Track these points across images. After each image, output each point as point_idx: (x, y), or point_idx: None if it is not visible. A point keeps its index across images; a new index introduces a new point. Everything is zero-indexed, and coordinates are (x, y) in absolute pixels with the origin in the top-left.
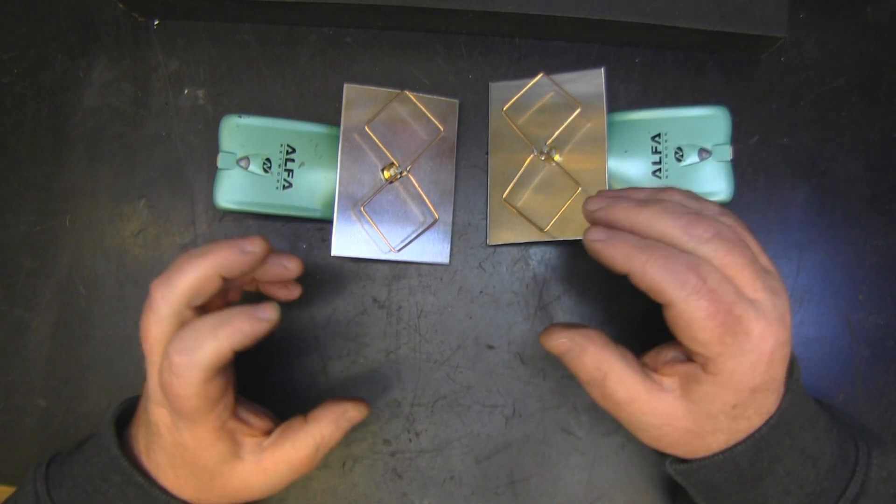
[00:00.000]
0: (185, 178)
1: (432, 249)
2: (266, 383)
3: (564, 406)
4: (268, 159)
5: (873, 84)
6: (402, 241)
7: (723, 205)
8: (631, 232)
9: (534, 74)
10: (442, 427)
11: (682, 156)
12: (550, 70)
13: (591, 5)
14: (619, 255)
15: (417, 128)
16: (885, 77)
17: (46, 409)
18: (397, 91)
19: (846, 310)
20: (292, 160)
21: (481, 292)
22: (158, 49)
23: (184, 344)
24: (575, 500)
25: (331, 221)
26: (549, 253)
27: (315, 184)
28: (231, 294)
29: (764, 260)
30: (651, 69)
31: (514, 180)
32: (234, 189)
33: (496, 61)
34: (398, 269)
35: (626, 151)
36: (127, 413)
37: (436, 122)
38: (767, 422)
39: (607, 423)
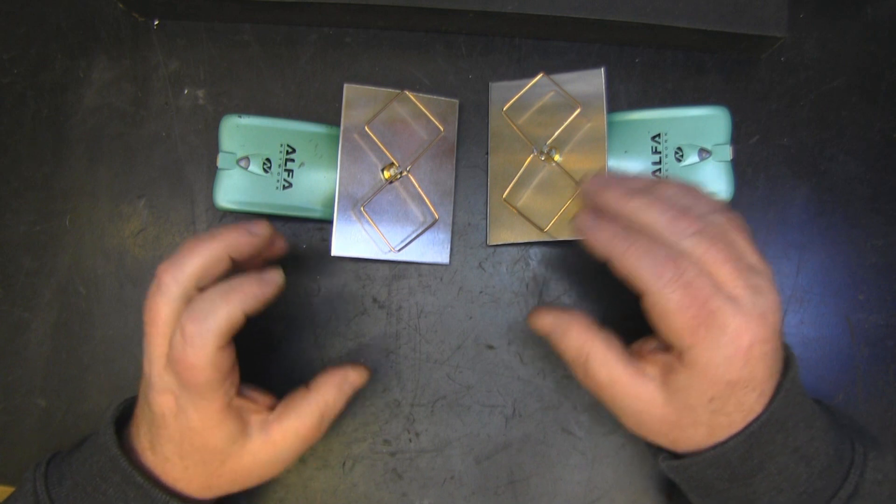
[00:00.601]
0: (185, 178)
1: (432, 249)
2: (266, 383)
3: (564, 406)
4: (268, 159)
5: (873, 84)
6: (402, 241)
7: None
8: (618, 219)
9: (534, 74)
10: (442, 427)
11: (682, 156)
12: (550, 70)
13: (591, 5)
14: (601, 240)
15: (417, 128)
16: (885, 77)
17: (46, 409)
18: (397, 91)
19: (846, 310)
20: (292, 160)
21: (481, 292)
22: (158, 49)
23: (197, 312)
24: (575, 500)
25: (331, 221)
26: (549, 253)
27: (315, 184)
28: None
29: (752, 258)
30: (651, 69)
31: (514, 180)
32: (234, 189)
33: (496, 61)
34: (398, 269)
35: (626, 151)
36: (126, 413)
37: (436, 122)
38: (757, 418)
39: (607, 423)
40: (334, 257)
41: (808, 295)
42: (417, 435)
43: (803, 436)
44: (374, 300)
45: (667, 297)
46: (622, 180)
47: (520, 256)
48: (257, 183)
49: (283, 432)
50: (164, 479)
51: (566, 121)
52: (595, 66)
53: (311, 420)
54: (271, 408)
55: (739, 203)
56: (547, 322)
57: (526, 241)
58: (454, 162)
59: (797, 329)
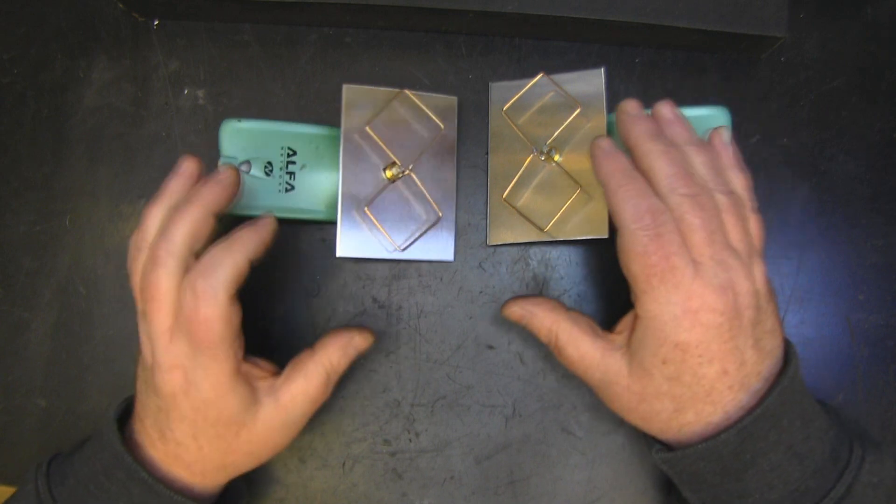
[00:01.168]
0: None
1: (437, 247)
2: None
3: (564, 406)
4: (269, 163)
5: (873, 84)
6: (406, 240)
7: None
8: (632, 152)
9: (534, 74)
10: (442, 427)
11: None
12: (550, 70)
13: (591, 5)
14: (606, 169)
15: (418, 126)
16: (885, 77)
17: (46, 409)
18: (396, 90)
19: (846, 310)
20: (293, 163)
21: (481, 292)
22: (158, 49)
23: (205, 268)
24: (575, 500)
25: (334, 223)
26: (549, 253)
27: (317, 185)
28: None
29: (737, 242)
30: (651, 69)
31: (514, 180)
32: None
33: (496, 61)
34: (398, 269)
35: (626, 151)
36: (128, 412)
37: (436, 120)
38: (750, 413)
39: (607, 423)
40: (334, 257)
41: (808, 295)
42: (417, 435)
43: (799, 434)
44: (374, 300)
45: (636, 240)
46: (669, 120)
47: (520, 256)
48: (259, 187)
49: (291, 394)
50: (175, 470)
51: (566, 121)
52: (595, 66)
53: (317, 380)
54: (275, 373)
55: None
56: (516, 310)
57: (526, 241)
58: (455, 159)
59: (797, 329)
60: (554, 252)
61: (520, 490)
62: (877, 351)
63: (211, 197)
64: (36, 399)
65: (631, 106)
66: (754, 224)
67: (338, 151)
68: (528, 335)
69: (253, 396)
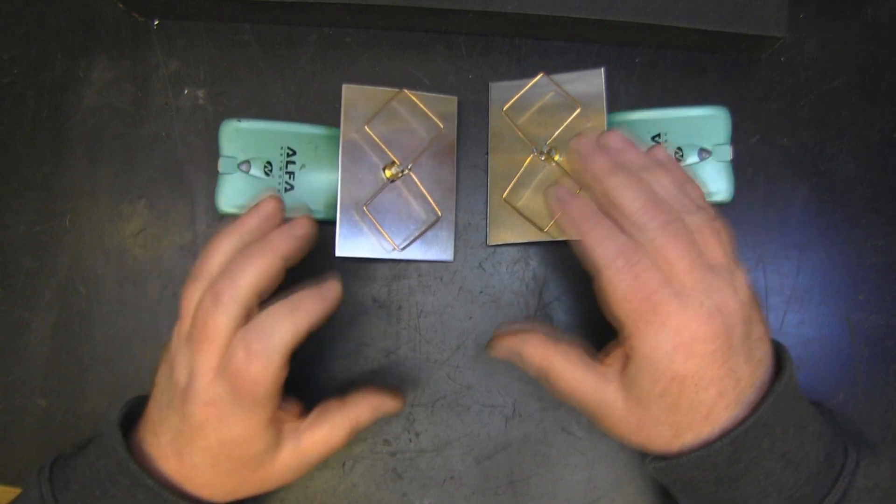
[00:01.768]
0: (185, 178)
1: (436, 247)
2: None
3: (564, 406)
4: (269, 162)
5: (873, 84)
6: (405, 240)
7: (722, 205)
8: (593, 191)
9: (534, 74)
10: (442, 427)
11: (682, 156)
12: (550, 70)
13: (591, 5)
14: (569, 215)
15: (417, 126)
16: (885, 77)
17: (46, 409)
18: (396, 90)
19: (846, 310)
20: (293, 162)
21: (481, 292)
22: (158, 49)
23: (263, 330)
24: (575, 500)
25: (333, 222)
26: (549, 253)
27: (317, 185)
28: None
29: (718, 259)
30: (651, 69)
31: (514, 180)
32: (236, 193)
33: (496, 61)
34: (398, 268)
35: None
36: (130, 414)
37: (435, 120)
38: (743, 422)
39: None
40: (334, 257)
41: (808, 295)
42: (417, 435)
43: (793, 441)
44: (374, 300)
45: (615, 284)
46: (621, 148)
47: (520, 256)
48: (259, 186)
49: (313, 441)
50: (186, 486)
51: (566, 121)
52: (595, 66)
53: (341, 433)
54: (301, 414)
55: (739, 203)
56: (503, 348)
57: (526, 241)
58: (455, 159)
59: (797, 329)
60: (554, 252)
61: (520, 490)
62: (877, 351)
63: (286, 247)
64: (36, 399)
65: (582, 142)
66: (723, 232)
67: (337, 151)
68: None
69: (277, 439)
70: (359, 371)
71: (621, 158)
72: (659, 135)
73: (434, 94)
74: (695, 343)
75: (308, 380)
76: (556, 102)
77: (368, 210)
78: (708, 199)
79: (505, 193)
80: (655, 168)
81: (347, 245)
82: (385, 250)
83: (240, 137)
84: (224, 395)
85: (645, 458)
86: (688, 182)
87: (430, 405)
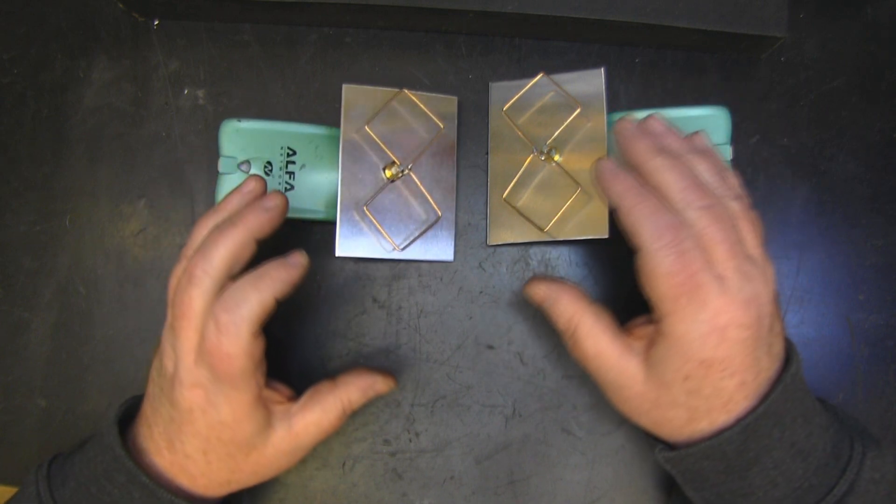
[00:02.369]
0: (185, 178)
1: (436, 247)
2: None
3: (564, 406)
4: (269, 162)
5: (873, 84)
6: (405, 240)
7: None
8: (638, 170)
9: (534, 74)
10: (442, 427)
11: None
12: (550, 70)
13: (591, 5)
14: (616, 189)
15: (417, 126)
16: (885, 77)
17: (46, 409)
18: (396, 90)
19: (846, 310)
20: (293, 162)
21: (481, 292)
22: (158, 49)
23: (229, 302)
24: (575, 500)
25: (334, 223)
26: (549, 253)
27: (317, 185)
28: None
29: (754, 250)
30: (651, 69)
31: (514, 180)
32: None
33: (496, 61)
34: (398, 268)
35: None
36: (129, 413)
37: (435, 120)
38: (753, 411)
39: (607, 423)
40: (334, 257)
41: (808, 295)
42: (417, 435)
43: (801, 431)
44: (374, 300)
45: (659, 260)
46: (662, 133)
47: (520, 256)
48: None
49: (305, 423)
50: (179, 479)
51: (566, 121)
52: (595, 66)
53: (333, 414)
54: (290, 398)
55: None
56: (541, 291)
57: (526, 241)
58: (455, 159)
59: (797, 329)
60: (554, 252)
61: (520, 490)
62: (877, 351)
63: (255, 221)
64: (36, 399)
65: (625, 125)
66: (758, 224)
67: (337, 151)
68: (528, 335)
69: (268, 421)
70: None
71: (663, 142)
72: None
73: (434, 94)
74: (729, 328)
75: (308, 380)
76: (556, 102)
77: (368, 210)
78: None
79: (505, 193)
80: (696, 154)
81: (347, 245)
82: (385, 250)
83: (240, 137)
84: (206, 375)
85: (654, 447)
86: (726, 170)
87: (430, 405)
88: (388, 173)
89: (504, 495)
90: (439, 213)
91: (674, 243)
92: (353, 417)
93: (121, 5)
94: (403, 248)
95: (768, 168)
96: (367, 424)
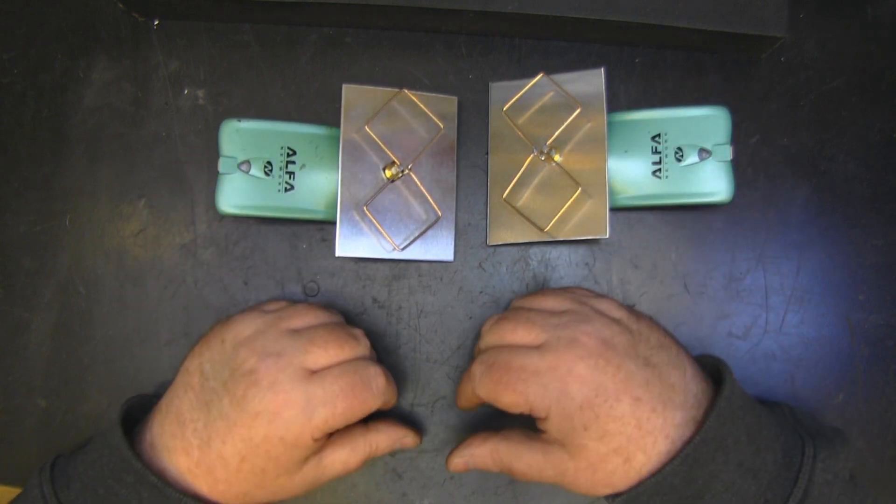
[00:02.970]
0: (185, 178)
1: (436, 247)
2: None
3: None
4: (269, 162)
5: (873, 84)
6: (405, 240)
7: (722, 205)
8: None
9: (534, 74)
10: (442, 427)
11: (682, 156)
12: (550, 70)
13: (591, 5)
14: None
15: (417, 126)
16: (885, 77)
17: (46, 409)
18: (396, 90)
19: (846, 310)
20: (293, 162)
21: (481, 292)
22: (158, 49)
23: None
24: (575, 500)
25: (334, 223)
26: (549, 253)
27: (317, 185)
28: None
29: (554, 307)
30: (651, 69)
31: (514, 180)
32: (236, 193)
33: (496, 61)
34: (398, 269)
35: (626, 151)
36: (129, 414)
37: (435, 120)
38: (690, 440)
39: None
40: (334, 257)
41: (808, 295)
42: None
43: (747, 450)
44: (374, 300)
45: (483, 391)
46: (530, 302)
47: (520, 256)
48: (259, 186)
49: (332, 460)
50: (199, 481)
51: (566, 121)
52: (595, 66)
53: (360, 456)
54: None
55: (739, 203)
56: (460, 462)
57: (526, 241)
58: (455, 159)
59: (797, 329)
60: (554, 252)
61: (520, 490)
62: (877, 351)
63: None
64: (36, 399)
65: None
66: (565, 293)
67: (337, 151)
68: None
69: (309, 455)
70: None
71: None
72: (659, 135)
73: (434, 94)
74: (574, 368)
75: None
76: (556, 102)
77: (368, 210)
78: (708, 199)
79: (505, 193)
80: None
81: (347, 245)
82: (385, 250)
83: (240, 137)
84: (300, 389)
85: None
86: (542, 298)
87: (430, 405)
88: (388, 173)
89: (504, 495)
90: (439, 213)
91: (479, 371)
92: None
93: (121, 5)
94: (403, 248)
95: (768, 168)
96: None
